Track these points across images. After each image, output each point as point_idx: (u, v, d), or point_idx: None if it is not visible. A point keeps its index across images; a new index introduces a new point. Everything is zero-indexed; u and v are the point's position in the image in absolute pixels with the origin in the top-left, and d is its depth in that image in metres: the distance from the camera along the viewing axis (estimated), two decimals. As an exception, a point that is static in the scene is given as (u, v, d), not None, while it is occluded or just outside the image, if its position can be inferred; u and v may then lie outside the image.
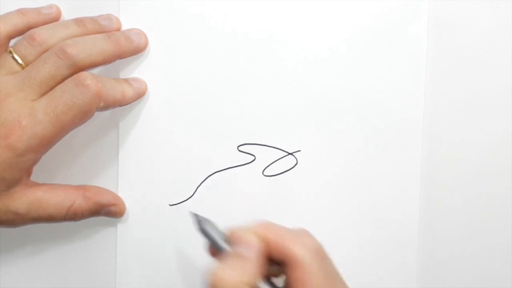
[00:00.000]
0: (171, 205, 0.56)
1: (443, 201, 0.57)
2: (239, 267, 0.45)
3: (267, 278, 0.48)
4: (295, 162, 0.57)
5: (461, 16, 0.56)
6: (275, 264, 0.47)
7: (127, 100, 0.54)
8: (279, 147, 0.57)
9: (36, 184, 0.53)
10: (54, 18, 0.55)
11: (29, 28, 0.54)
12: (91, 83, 0.50)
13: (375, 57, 0.56)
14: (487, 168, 0.57)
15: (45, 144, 0.51)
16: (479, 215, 0.58)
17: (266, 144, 0.57)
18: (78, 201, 0.54)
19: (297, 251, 0.46)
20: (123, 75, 0.56)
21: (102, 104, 0.51)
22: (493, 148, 0.57)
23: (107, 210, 0.55)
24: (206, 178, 0.56)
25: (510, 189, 0.57)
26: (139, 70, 0.56)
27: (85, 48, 0.51)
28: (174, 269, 0.57)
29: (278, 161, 0.57)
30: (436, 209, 0.57)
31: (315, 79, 0.56)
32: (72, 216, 0.54)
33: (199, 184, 0.56)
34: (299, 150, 0.57)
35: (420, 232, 0.57)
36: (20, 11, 0.54)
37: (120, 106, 0.54)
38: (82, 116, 0.51)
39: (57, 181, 0.56)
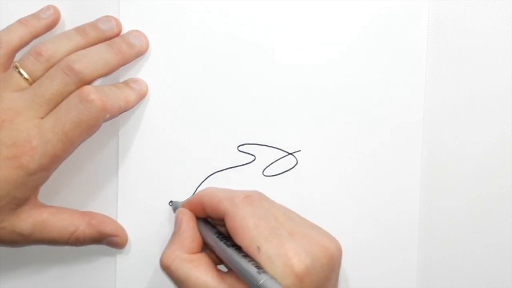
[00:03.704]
0: (171, 205, 0.56)
1: (443, 201, 0.57)
2: (173, 242, 0.51)
3: (224, 236, 0.51)
4: (295, 162, 0.57)
5: (461, 16, 0.56)
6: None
7: (130, 105, 0.55)
8: (279, 147, 0.57)
9: (43, 206, 0.54)
10: (53, 21, 0.55)
11: (33, 38, 0.54)
12: (95, 97, 0.51)
13: (375, 57, 0.56)
14: (487, 168, 0.57)
15: (56, 161, 0.52)
16: (479, 215, 0.57)
17: (266, 144, 0.57)
18: (82, 228, 0.54)
19: (222, 205, 0.50)
20: (123, 77, 0.56)
21: (108, 116, 0.52)
22: (492, 148, 0.57)
23: (109, 240, 0.56)
24: (206, 178, 0.56)
25: (510, 189, 0.57)
26: (139, 71, 0.56)
27: (91, 62, 0.52)
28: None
29: (278, 161, 0.57)
30: (436, 209, 0.57)
31: (315, 79, 0.56)
32: (74, 241, 0.54)
33: (199, 184, 0.56)
34: (299, 150, 0.57)
35: (420, 232, 0.57)
36: (22, 22, 0.54)
37: (124, 111, 0.55)
38: (89, 130, 0.52)
39: (57, 185, 0.56)
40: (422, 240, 0.57)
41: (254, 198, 0.51)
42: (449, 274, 0.58)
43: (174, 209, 0.55)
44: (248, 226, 0.48)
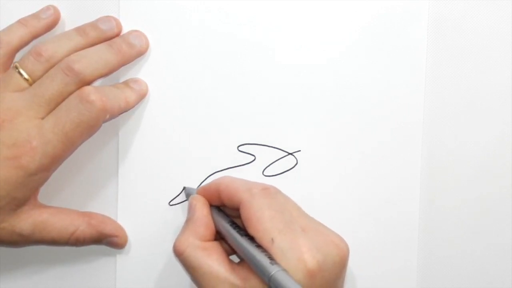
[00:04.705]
0: (171, 204, 0.56)
1: (443, 201, 0.57)
2: (186, 228, 0.51)
3: (237, 225, 0.51)
4: (295, 162, 0.57)
5: (461, 16, 0.56)
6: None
7: (130, 106, 0.55)
8: (279, 147, 0.57)
9: (43, 206, 0.54)
10: (53, 21, 0.55)
11: (33, 38, 0.54)
12: (95, 98, 0.51)
13: (375, 57, 0.56)
14: (486, 168, 0.57)
15: (56, 161, 0.52)
16: (479, 215, 0.58)
17: (266, 144, 0.57)
18: (82, 228, 0.54)
19: (239, 194, 0.50)
20: (123, 77, 0.56)
21: (108, 116, 0.52)
22: (492, 148, 0.57)
23: (109, 241, 0.56)
24: (206, 178, 0.56)
25: (510, 189, 0.57)
26: (139, 71, 0.56)
27: (91, 62, 0.52)
28: (174, 273, 0.57)
29: (278, 161, 0.57)
30: (436, 209, 0.57)
31: (315, 79, 0.56)
32: (74, 242, 0.54)
33: (199, 184, 0.56)
34: (299, 150, 0.57)
35: (420, 232, 0.57)
36: (21, 22, 0.54)
37: (124, 112, 0.55)
38: (89, 131, 0.52)
39: (57, 185, 0.56)
40: (422, 240, 0.57)
41: (271, 191, 0.51)
42: (449, 274, 0.58)
43: (187, 195, 0.55)
44: (263, 217, 0.48)
